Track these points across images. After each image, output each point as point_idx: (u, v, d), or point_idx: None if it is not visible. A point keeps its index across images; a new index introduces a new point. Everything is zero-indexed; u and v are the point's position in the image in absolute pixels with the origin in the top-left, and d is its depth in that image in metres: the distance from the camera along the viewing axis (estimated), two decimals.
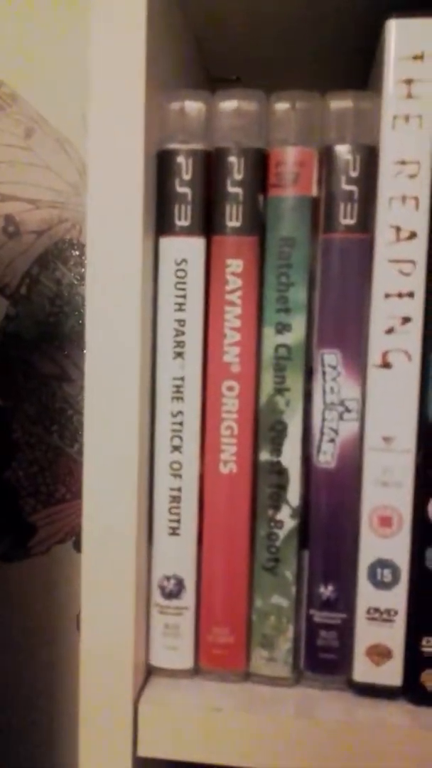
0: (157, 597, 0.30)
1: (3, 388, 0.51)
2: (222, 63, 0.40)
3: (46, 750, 0.54)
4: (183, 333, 0.28)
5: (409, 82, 0.27)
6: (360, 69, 0.37)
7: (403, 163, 0.27)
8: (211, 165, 0.28)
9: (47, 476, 0.52)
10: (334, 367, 0.28)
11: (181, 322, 0.28)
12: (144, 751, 0.28)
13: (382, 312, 0.28)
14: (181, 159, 0.28)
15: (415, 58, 0.27)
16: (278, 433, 0.29)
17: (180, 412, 0.29)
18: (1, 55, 0.50)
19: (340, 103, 0.28)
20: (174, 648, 0.30)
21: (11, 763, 0.54)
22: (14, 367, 0.51)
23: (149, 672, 0.30)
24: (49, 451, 0.52)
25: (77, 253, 0.50)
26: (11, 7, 0.49)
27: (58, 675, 0.53)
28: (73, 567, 0.52)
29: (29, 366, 0.51)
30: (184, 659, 0.30)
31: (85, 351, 0.52)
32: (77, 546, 0.52)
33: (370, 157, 0.27)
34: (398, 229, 0.27)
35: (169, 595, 0.29)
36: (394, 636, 0.28)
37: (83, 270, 0.50)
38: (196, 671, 0.30)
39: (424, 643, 0.28)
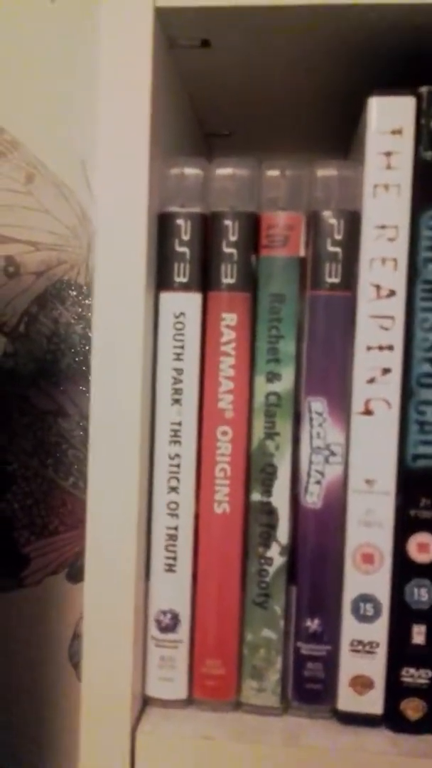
0: (153, 630, 0.31)
1: (0, 423, 0.53)
2: (215, 119, 0.42)
3: None
4: (181, 381, 0.30)
5: (388, 154, 0.29)
6: (344, 125, 0.40)
7: (383, 227, 0.29)
8: (207, 227, 0.30)
9: (41, 508, 0.53)
10: (320, 414, 0.30)
11: (179, 371, 0.30)
12: None
13: (364, 363, 0.30)
14: (180, 221, 0.30)
15: (394, 132, 0.29)
16: (268, 476, 0.31)
17: (177, 455, 0.31)
18: (2, 102, 0.52)
19: (326, 172, 0.30)
20: (169, 679, 0.31)
21: None
22: (11, 403, 0.53)
23: (145, 702, 0.32)
24: (44, 484, 0.53)
25: (75, 293, 0.52)
26: (12, 55, 0.52)
27: (49, 705, 0.54)
28: (65, 598, 0.54)
29: (26, 402, 0.53)
30: (179, 690, 0.31)
31: (81, 387, 0.53)
32: (70, 578, 0.54)
33: (353, 222, 0.30)
34: (378, 288, 0.30)
35: (165, 629, 0.31)
36: (376, 667, 0.30)
37: (80, 309, 0.52)
38: (189, 701, 0.32)
39: (403, 673, 0.30)
